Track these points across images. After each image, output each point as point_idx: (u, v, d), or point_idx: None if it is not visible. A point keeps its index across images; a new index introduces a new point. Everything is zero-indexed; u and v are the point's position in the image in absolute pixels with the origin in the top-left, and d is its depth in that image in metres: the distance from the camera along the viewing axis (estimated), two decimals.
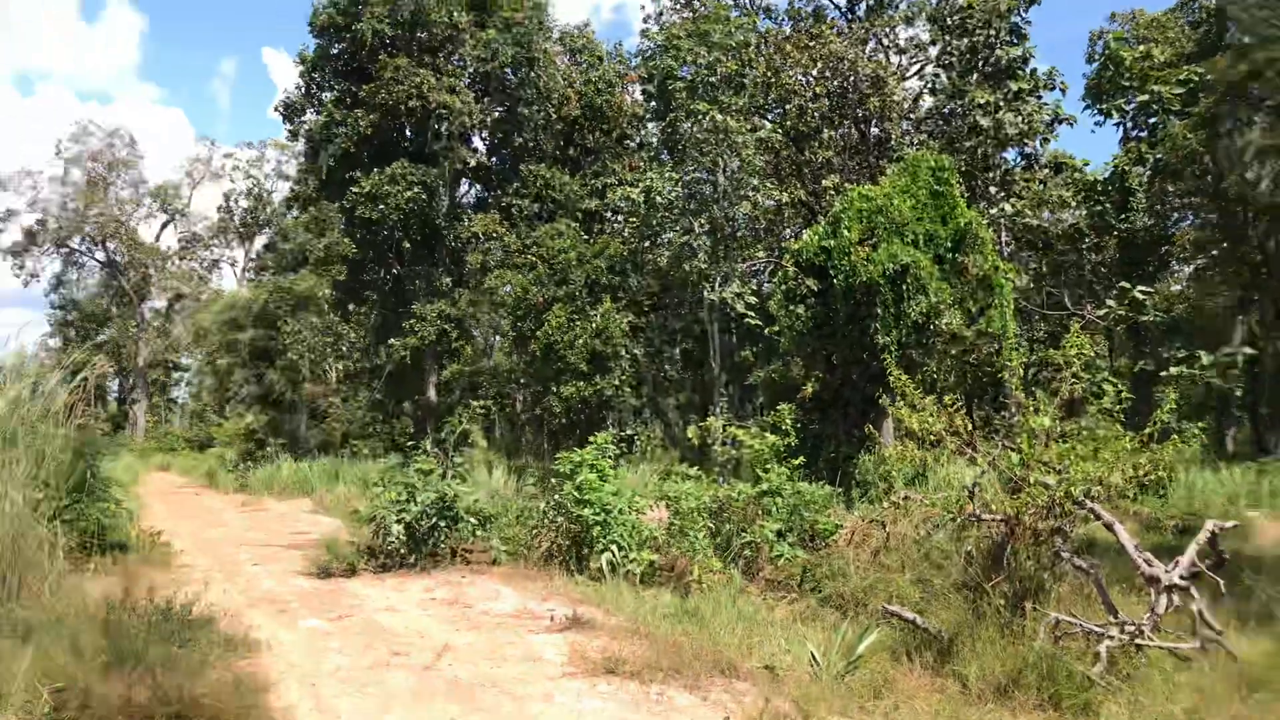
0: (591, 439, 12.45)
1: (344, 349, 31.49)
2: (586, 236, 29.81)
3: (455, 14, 31.31)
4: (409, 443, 27.42)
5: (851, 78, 27.77)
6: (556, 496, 11.83)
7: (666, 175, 25.54)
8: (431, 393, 32.34)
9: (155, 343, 60.94)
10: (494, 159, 36.02)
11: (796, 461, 12.37)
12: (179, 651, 6.62)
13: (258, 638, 8.03)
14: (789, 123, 28.91)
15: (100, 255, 60.47)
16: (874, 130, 29.09)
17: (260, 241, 62.60)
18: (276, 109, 36.26)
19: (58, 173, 57.34)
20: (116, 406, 60.59)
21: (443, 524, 12.00)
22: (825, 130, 28.89)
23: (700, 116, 24.63)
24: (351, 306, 32.44)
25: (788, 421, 13.68)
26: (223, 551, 14.43)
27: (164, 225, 61.99)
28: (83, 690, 5.76)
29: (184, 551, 13.27)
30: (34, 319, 64.18)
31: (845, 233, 17.16)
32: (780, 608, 9.49)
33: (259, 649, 7.77)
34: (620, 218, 32.71)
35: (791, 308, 17.83)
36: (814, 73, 28.34)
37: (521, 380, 29.65)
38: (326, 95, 33.96)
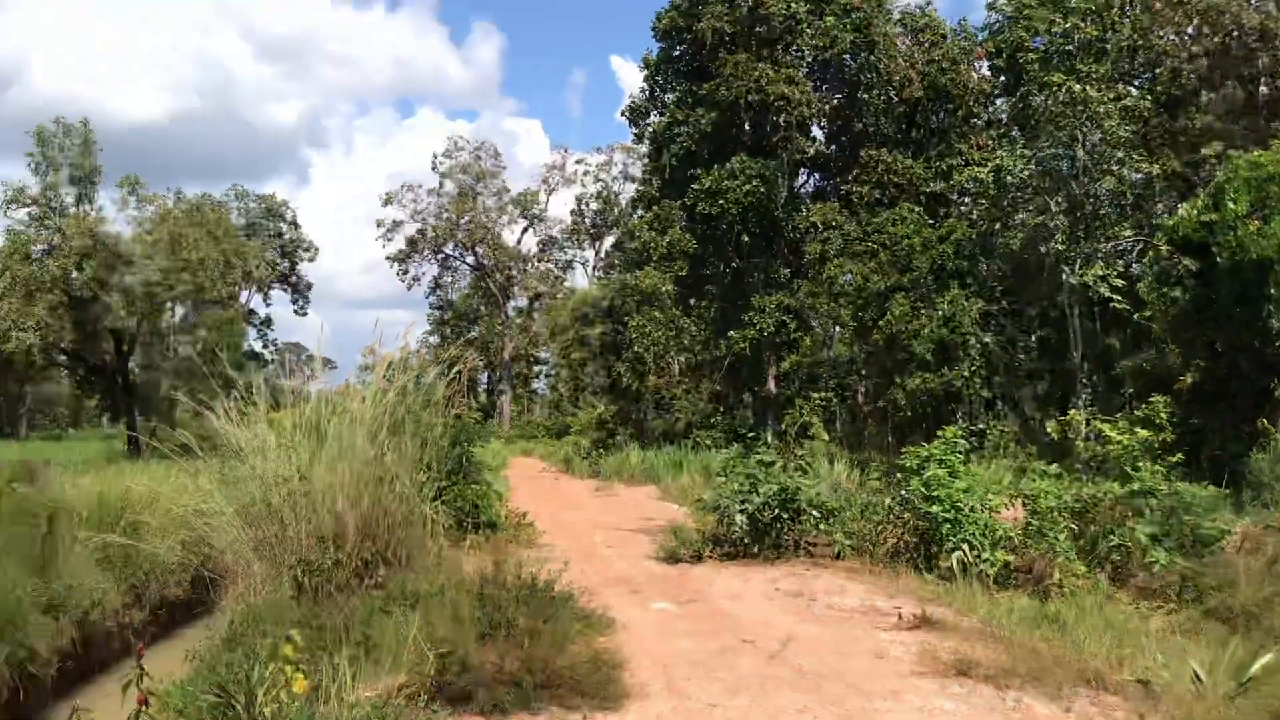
0: (939, 433, 11.97)
1: (685, 342, 32.48)
2: (931, 221, 28.72)
3: (793, 4, 31.35)
4: (749, 434, 27.82)
5: (1235, 32, 24.82)
6: (903, 492, 11.49)
7: (1018, 153, 24.08)
8: (770, 384, 32.58)
9: (518, 338, 66.29)
10: (833, 146, 35.69)
11: (1173, 459, 11.22)
12: (544, 625, 7.05)
13: (613, 617, 8.43)
14: (1159, 88, 26.38)
15: (470, 259, 66.67)
16: (1263, 90, 25.89)
17: (609, 241, 66.34)
18: (623, 113, 38.12)
19: (434, 185, 63.97)
20: (485, 397, 66.32)
21: (785, 515, 12.04)
22: (1204, 93, 26.10)
23: (1055, 88, 22.99)
24: (692, 301, 33.36)
25: (1162, 415, 12.44)
26: (579, 533, 15.33)
27: (524, 230, 67.36)
28: (462, 656, 6.28)
29: (545, 532, 14.22)
30: (416, 318, 71.91)
31: (1230, 205, 15.64)
32: (1155, 618, 8.64)
33: (614, 627, 8.18)
34: (968, 200, 31.19)
35: (1165, 290, 16.56)
36: (1189, 30, 25.67)
37: (863, 371, 29.17)
38: (669, 96, 35.22)
